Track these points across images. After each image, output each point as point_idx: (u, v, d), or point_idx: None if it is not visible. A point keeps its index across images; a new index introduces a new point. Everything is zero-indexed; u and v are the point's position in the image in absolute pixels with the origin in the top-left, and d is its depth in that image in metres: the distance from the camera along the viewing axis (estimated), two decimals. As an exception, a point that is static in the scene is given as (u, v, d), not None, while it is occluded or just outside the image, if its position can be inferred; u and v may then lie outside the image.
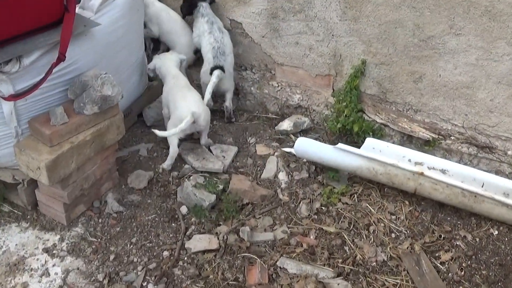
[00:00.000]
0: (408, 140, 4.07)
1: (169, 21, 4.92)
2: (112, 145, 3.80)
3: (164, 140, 4.17)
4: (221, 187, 3.88)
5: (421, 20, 3.63)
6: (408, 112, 4.12)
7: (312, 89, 4.57)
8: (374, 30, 3.92)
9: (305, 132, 4.45)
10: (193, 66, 4.93)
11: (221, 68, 4.38)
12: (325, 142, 4.12)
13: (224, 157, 4.26)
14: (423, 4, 3.56)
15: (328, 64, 4.32)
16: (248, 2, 4.42)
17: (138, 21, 4.39)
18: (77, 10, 3.60)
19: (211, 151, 4.24)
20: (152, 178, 4.06)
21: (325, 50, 4.29)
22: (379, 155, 3.68)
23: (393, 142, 4.04)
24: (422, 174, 3.57)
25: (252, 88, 4.76)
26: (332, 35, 4.20)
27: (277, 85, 4.69)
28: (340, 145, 3.86)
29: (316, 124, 4.48)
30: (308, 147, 3.97)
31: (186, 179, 3.94)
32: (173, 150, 4.05)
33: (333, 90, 4.42)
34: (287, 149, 4.23)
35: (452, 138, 3.91)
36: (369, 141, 3.80)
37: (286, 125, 4.45)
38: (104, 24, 3.85)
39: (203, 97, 4.19)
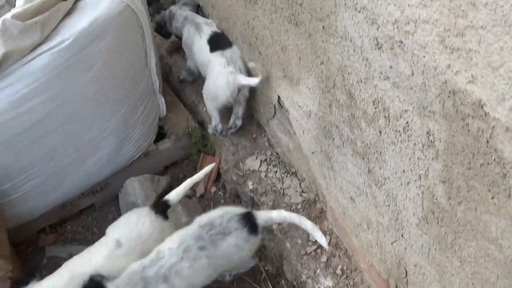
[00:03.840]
0: None
1: None
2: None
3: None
4: None
5: None
6: None
7: (362, 277, 2.64)
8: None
9: None
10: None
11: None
12: None
13: None
14: None
15: (388, 269, 2.36)
16: (296, 84, 2.54)
17: (96, 82, 2.71)
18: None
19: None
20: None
21: (387, 245, 2.30)
22: None
23: None
24: None
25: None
26: (402, 235, 2.15)
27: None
28: None
29: None
30: None
31: None
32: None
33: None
34: None
35: None
36: None
37: None
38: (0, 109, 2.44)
39: None
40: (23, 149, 2.60)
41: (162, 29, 3.54)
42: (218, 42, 3.04)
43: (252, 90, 3.08)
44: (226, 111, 3.17)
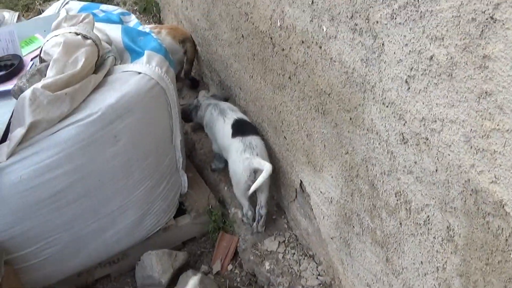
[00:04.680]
0: None
1: None
2: None
3: None
4: None
5: None
6: None
7: None
8: None
9: None
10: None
11: None
12: None
13: None
14: None
15: None
16: (320, 170, 2.61)
17: (121, 157, 2.74)
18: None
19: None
20: None
21: None
22: None
23: None
24: None
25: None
26: None
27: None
28: None
29: None
30: None
31: None
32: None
33: None
34: None
35: None
36: None
37: None
38: (24, 176, 2.44)
39: None
40: (43, 217, 2.60)
41: (187, 116, 3.65)
42: (240, 128, 3.09)
43: (274, 173, 3.12)
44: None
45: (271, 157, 3.14)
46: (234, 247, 3.26)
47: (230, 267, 3.25)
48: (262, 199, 3.11)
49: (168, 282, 3.06)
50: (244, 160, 2.92)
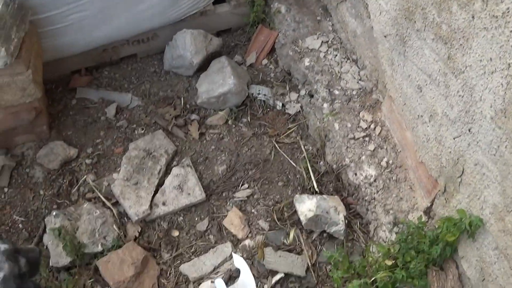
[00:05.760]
0: None
1: None
2: (23, 104, 2.60)
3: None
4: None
5: None
6: None
7: (406, 175, 2.55)
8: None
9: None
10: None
11: None
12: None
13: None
14: None
15: (441, 166, 2.26)
16: None
17: None
18: None
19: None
20: (67, 161, 2.74)
21: (448, 140, 2.18)
22: None
23: None
24: None
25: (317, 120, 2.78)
26: (469, 130, 2.02)
27: (366, 125, 2.71)
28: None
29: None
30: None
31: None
32: None
33: (432, 205, 2.36)
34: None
35: None
36: None
37: (306, 208, 2.48)
38: None
39: None
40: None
41: None
42: None
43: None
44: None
45: None
46: (272, 42, 3.13)
47: (265, 61, 3.14)
48: None
49: (199, 64, 2.96)
50: None
